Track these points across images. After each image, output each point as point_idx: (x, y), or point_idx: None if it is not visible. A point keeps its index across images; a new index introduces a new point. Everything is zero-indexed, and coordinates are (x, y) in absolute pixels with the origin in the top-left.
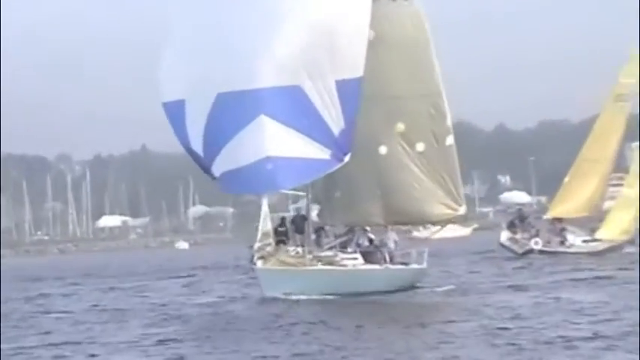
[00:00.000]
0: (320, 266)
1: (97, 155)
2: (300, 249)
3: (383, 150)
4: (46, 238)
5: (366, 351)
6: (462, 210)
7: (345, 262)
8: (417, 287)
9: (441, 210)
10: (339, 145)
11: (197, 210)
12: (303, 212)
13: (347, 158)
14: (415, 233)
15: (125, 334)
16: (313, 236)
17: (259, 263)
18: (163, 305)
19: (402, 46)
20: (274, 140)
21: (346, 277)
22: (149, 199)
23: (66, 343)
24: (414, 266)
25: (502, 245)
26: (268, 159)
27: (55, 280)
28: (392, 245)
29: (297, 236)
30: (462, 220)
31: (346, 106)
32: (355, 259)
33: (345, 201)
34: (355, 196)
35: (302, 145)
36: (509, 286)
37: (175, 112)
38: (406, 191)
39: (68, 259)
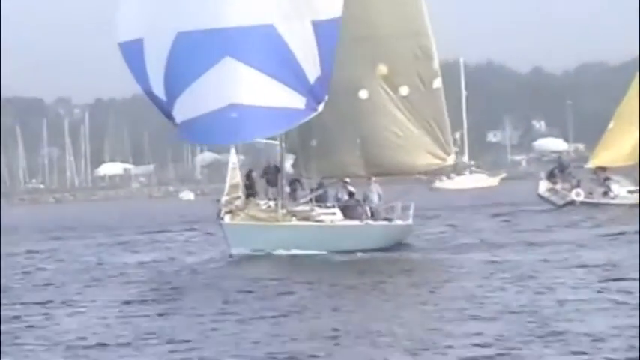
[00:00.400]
0: (294, 222)
1: (98, 99)
2: (272, 203)
3: (363, 94)
4: (41, 186)
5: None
6: (451, 159)
7: (322, 217)
8: (402, 245)
9: (427, 160)
10: (314, 93)
11: (204, 157)
12: (276, 163)
13: (321, 107)
14: (437, 184)
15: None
16: (287, 189)
17: (227, 218)
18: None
19: None
20: (240, 85)
21: (323, 233)
22: (153, 146)
23: None
24: (399, 222)
25: (540, 197)
26: (233, 106)
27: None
28: (375, 199)
29: (270, 189)
30: (451, 171)
31: (323, 49)
32: (333, 214)
33: (321, 150)
34: (332, 145)
35: (273, 91)
36: (520, 242)
37: (133, 52)
38: (388, 139)
39: (63, 208)
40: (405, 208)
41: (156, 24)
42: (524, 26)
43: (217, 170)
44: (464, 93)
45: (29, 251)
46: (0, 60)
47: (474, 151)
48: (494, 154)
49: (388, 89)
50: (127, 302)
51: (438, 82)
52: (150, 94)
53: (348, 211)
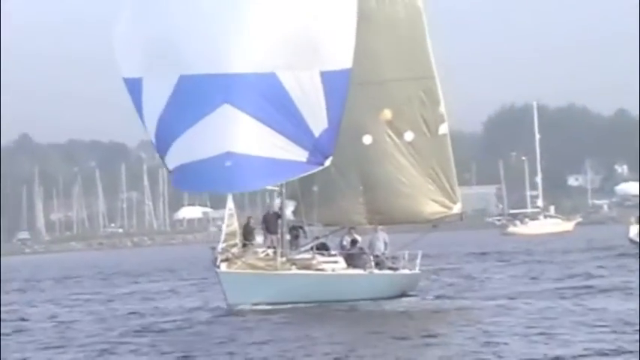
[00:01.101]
0: (294, 270)
1: None
2: (270, 251)
3: (367, 139)
4: (120, 230)
5: None
6: (457, 208)
7: (323, 265)
8: (408, 295)
9: (432, 208)
10: (320, 148)
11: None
12: (276, 209)
13: (327, 162)
14: (510, 228)
15: None
16: (287, 236)
17: (223, 266)
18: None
19: (390, 24)
20: (238, 134)
21: (324, 283)
22: None
23: None
24: (404, 272)
25: (631, 241)
26: (228, 155)
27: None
28: (381, 247)
29: (269, 237)
30: (456, 220)
31: (332, 101)
32: (336, 262)
33: (323, 197)
34: (335, 191)
35: (271, 142)
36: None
37: (134, 90)
38: (392, 186)
39: (139, 252)
40: (413, 257)
41: (157, 64)
42: (607, 68)
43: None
44: (537, 137)
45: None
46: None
47: (555, 195)
48: (575, 198)
49: (393, 135)
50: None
51: (444, 128)
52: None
53: (351, 260)
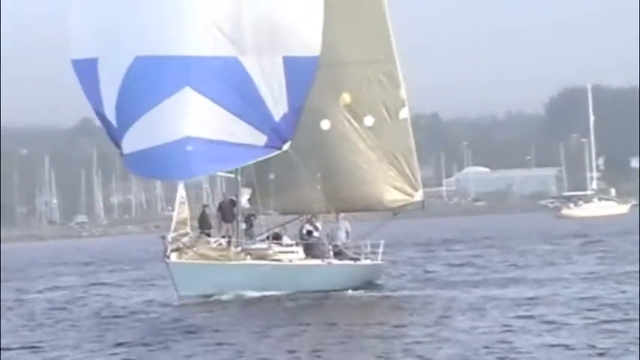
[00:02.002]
0: (249, 261)
1: None
2: (223, 240)
3: (325, 125)
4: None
5: None
6: (419, 195)
7: (280, 256)
8: (371, 286)
9: (393, 195)
10: (278, 132)
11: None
12: (233, 197)
13: (286, 146)
14: (564, 211)
15: None
16: (243, 225)
17: (173, 257)
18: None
19: (349, 5)
20: (198, 118)
21: (280, 273)
22: None
23: None
24: (366, 262)
25: None
26: (189, 139)
27: None
28: (342, 236)
29: (225, 225)
30: (418, 207)
31: (293, 87)
32: (294, 252)
33: (280, 184)
34: (292, 178)
35: (231, 127)
36: None
37: (86, 71)
38: (352, 173)
39: None
40: (374, 246)
41: (113, 44)
42: None
43: None
44: (592, 118)
45: None
46: None
47: (616, 178)
48: (637, 181)
49: (352, 119)
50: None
51: (404, 112)
52: (101, 116)
53: (310, 250)
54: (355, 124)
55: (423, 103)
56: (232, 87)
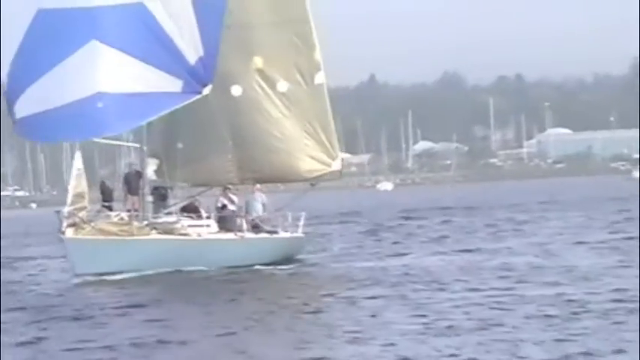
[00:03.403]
0: (153, 235)
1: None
2: (124, 214)
3: (236, 90)
4: None
5: None
6: (336, 164)
7: (188, 230)
8: (294, 260)
9: (309, 165)
10: (195, 75)
11: (419, 146)
12: (138, 167)
13: (206, 91)
14: (635, 173)
15: None
16: (150, 198)
17: (69, 232)
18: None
19: None
20: (108, 72)
21: (186, 249)
22: (367, 135)
23: None
24: (284, 235)
25: None
26: (100, 95)
27: None
28: (259, 209)
29: (131, 198)
30: (336, 177)
31: (205, 26)
32: (206, 226)
33: (188, 154)
34: (201, 147)
35: (144, 76)
36: None
37: None
38: (265, 141)
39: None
40: (295, 218)
41: None
42: None
43: (431, 158)
44: None
45: None
46: None
47: None
48: None
49: (264, 85)
50: None
51: (320, 77)
52: None
53: (224, 223)
54: (268, 90)
55: (507, 62)
56: (141, 35)
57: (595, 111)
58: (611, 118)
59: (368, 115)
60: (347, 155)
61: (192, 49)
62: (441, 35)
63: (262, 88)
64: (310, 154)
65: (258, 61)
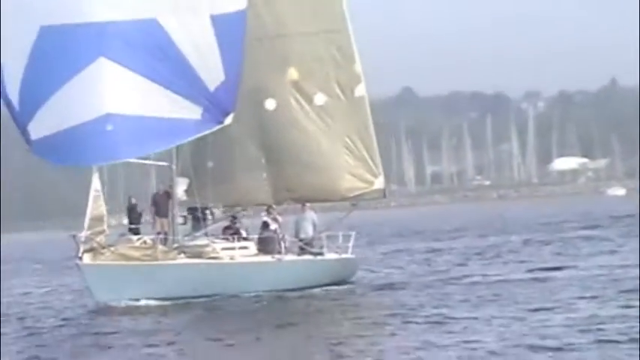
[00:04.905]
0: (180, 260)
1: (562, 91)
2: (148, 238)
3: (270, 104)
4: (487, 183)
5: None
6: (379, 183)
7: (221, 253)
8: (343, 283)
9: (349, 183)
10: (217, 103)
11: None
12: (167, 188)
13: (228, 120)
14: None
15: None
16: (181, 220)
17: (86, 258)
18: None
19: None
20: (118, 92)
21: (215, 273)
22: (603, 140)
23: None
24: (331, 256)
25: None
26: (108, 117)
27: None
28: (309, 229)
29: (160, 220)
30: (379, 197)
31: (227, 50)
32: (242, 248)
33: (219, 173)
34: (232, 166)
35: (157, 99)
36: None
37: None
38: (301, 159)
39: (502, 205)
40: (345, 238)
41: (14, 15)
42: None
43: None
44: None
45: None
46: None
47: None
48: None
49: (300, 98)
50: None
51: (360, 90)
52: (4, 97)
53: (263, 245)
54: (304, 104)
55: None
56: (154, 54)
57: None
58: None
59: (603, 121)
60: (586, 160)
61: (213, 75)
62: None
63: (298, 102)
64: (351, 171)
65: (293, 73)
